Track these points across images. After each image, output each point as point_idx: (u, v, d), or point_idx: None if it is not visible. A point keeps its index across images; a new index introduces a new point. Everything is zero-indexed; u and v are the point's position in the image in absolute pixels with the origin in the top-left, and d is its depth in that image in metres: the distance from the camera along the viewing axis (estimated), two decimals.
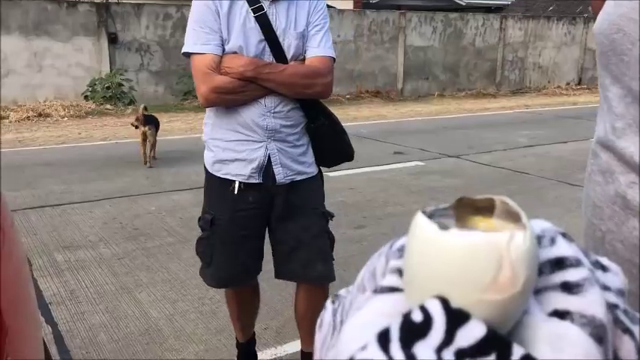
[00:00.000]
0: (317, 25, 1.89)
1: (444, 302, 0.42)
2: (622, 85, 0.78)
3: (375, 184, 5.43)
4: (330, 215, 2.09)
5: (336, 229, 3.97)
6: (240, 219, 1.97)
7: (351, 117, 9.86)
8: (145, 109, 6.33)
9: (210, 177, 2.02)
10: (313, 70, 1.87)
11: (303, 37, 1.89)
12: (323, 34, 1.90)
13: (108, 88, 10.19)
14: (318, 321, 0.58)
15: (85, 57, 10.45)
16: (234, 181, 1.93)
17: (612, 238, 0.82)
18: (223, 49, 1.84)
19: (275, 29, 1.84)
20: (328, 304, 0.55)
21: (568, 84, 15.93)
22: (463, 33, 14.32)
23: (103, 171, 5.89)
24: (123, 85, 10.41)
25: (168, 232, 4.11)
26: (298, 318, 2.17)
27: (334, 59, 1.95)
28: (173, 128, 8.31)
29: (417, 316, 0.42)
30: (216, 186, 2.00)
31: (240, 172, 1.92)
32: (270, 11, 1.85)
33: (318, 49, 1.89)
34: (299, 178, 1.97)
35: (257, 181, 1.93)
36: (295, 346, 2.54)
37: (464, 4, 19.86)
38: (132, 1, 11.96)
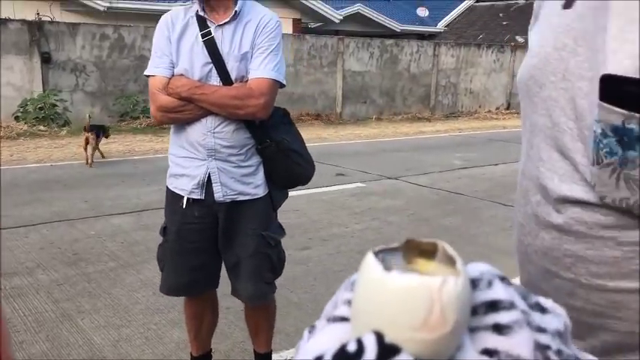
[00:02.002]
0: (261, 48, 1.95)
1: (379, 336, 0.44)
2: (531, 122, 0.94)
3: (318, 206, 5.52)
4: (273, 239, 2.12)
5: None
6: (186, 232, 2.07)
7: None
8: (90, 117, 7.64)
9: (167, 189, 2.13)
10: (245, 91, 1.92)
11: (247, 59, 1.95)
12: (266, 56, 1.94)
13: (41, 108, 9.85)
14: (296, 350, 0.62)
15: (16, 76, 10.08)
16: (183, 195, 2.04)
17: (531, 250, 0.94)
18: (174, 72, 1.96)
19: (221, 52, 1.93)
20: (305, 333, 0.57)
21: (497, 108, 16.73)
22: (399, 59, 14.81)
23: (38, 194, 5.69)
24: (57, 105, 10.10)
25: (109, 257, 4.02)
26: (248, 327, 2.37)
27: (277, 81, 1.96)
28: (111, 150, 8.12)
29: (352, 347, 0.45)
30: (169, 198, 2.12)
31: (185, 187, 2.03)
32: (217, 35, 1.94)
33: (257, 70, 1.94)
34: (241, 198, 2.03)
35: (199, 197, 2.02)
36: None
37: (399, 30, 20.55)
38: (67, 21, 11.67)
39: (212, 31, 1.93)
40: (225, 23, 1.95)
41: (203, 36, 1.93)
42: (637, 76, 0.70)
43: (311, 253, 4.17)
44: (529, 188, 0.94)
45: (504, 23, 20.98)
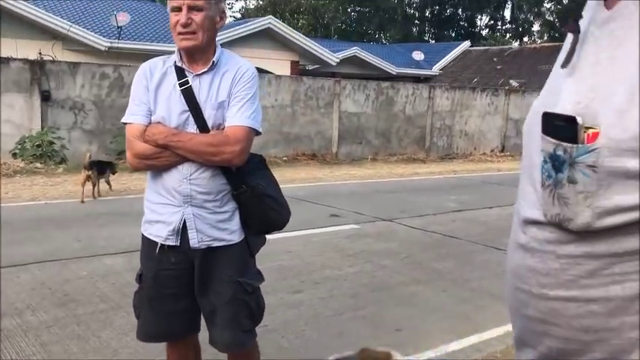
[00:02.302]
0: (237, 96, 2.00)
1: None
2: (522, 165, 1.04)
3: (312, 247, 5.52)
4: (250, 285, 2.11)
5: (274, 294, 4.01)
6: (163, 278, 2.08)
7: (288, 179, 10.01)
8: (90, 156, 7.77)
9: (142, 235, 2.14)
10: (221, 138, 1.96)
11: (224, 108, 2.00)
12: (242, 105, 1.98)
13: (38, 146, 9.92)
14: None
15: (15, 114, 10.17)
16: (158, 242, 2.06)
17: (508, 272, 1.03)
18: (151, 120, 2.01)
19: (198, 100, 1.98)
20: None
21: (492, 151, 16.88)
22: (394, 101, 15.03)
23: (31, 233, 5.68)
24: (54, 143, 10.17)
25: (100, 299, 4.00)
26: None
27: (253, 129, 2.00)
28: (107, 188, 8.14)
29: None
30: (145, 244, 2.14)
31: (160, 233, 2.05)
32: (195, 84, 2.00)
33: (234, 118, 1.98)
34: (217, 244, 2.04)
35: (174, 244, 2.03)
36: None
37: (395, 73, 20.91)
38: (68, 59, 11.87)
39: (190, 80, 1.99)
40: (203, 73, 2.01)
41: (181, 85, 1.99)
42: (565, 114, 0.85)
43: (303, 297, 4.15)
44: (514, 220, 1.05)
45: (498, 67, 21.38)
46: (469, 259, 5.31)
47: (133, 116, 2.02)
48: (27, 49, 12.60)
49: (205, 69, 2.01)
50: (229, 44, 16.03)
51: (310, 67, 18.43)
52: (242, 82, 2.01)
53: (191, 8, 1.93)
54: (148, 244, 2.10)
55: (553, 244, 0.87)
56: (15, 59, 10.47)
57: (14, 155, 9.88)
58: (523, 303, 0.96)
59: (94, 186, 7.47)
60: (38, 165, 9.70)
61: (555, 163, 0.86)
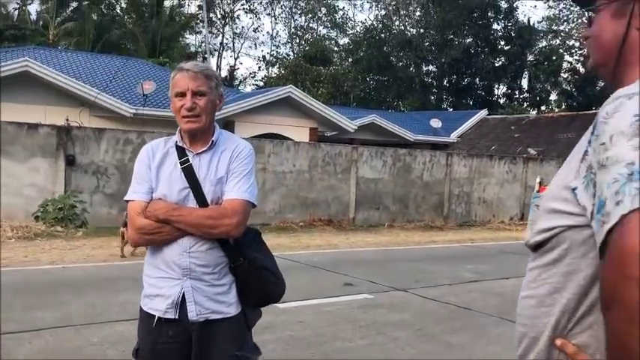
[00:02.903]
0: (235, 172, 2.11)
1: None
2: None
3: (323, 317, 5.47)
4: (247, 359, 2.14)
5: None
6: (161, 351, 2.11)
7: (304, 245, 10.03)
8: (126, 215, 7.94)
9: (140, 309, 2.18)
10: (219, 211, 2.05)
11: (222, 183, 2.10)
12: (240, 179, 2.09)
13: (60, 209, 10.14)
14: None
15: (40, 178, 10.49)
16: (156, 315, 2.09)
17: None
18: (152, 197, 2.11)
19: (198, 178, 2.09)
20: None
21: (511, 219, 16.75)
22: (412, 167, 15.15)
23: (47, 297, 5.74)
24: (76, 206, 10.39)
25: None
26: None
27: (249, 202, 2.09)
28: (126, 253, 8.24)
29: None
30: (143, 318, 2.16)
31: (159, 307, 2.09)
32: (195, 162, 2.11)
33: (231, 192, 2.08)
34: (215, 317, 2.08)
35: (173, 317, 2.07)
36: None
37: (412, 140, 21.16)
38: (95, 125, 12.31)
39: (190, 159, 2.11)
40: (203, 152, 2.13)
41: (182, 163, 2.11)
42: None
43: None
44: None
45: (516, 135, 21.53)
46: (484, 333, 5.20)
47: (135, 194, 2.12)
48: (55, 115, 13.15)
49: (205, 148, 2.13)
50: (251, 111, 16.53)
51: (329, 134, 18.77)
52: (239, 159, 2.13)
53: (195, 93, 2.08)
54: (146, 317, 2.14)
55: (531, 262, 1.17)
56: (43, 125, 10.89)
57: (36, 218, 10.09)
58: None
59: (124, 244, 7.90)
60: (59, 228, 9.89)
61: (534, 207, 1.22)
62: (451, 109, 34.36)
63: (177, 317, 2.07)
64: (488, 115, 25.38)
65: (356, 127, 18.88)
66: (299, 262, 8.15)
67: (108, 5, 35.46)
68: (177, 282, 2.07)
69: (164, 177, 2.11)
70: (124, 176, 11.24)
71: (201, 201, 2.08)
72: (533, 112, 33.16)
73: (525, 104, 36.25)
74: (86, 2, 31.14)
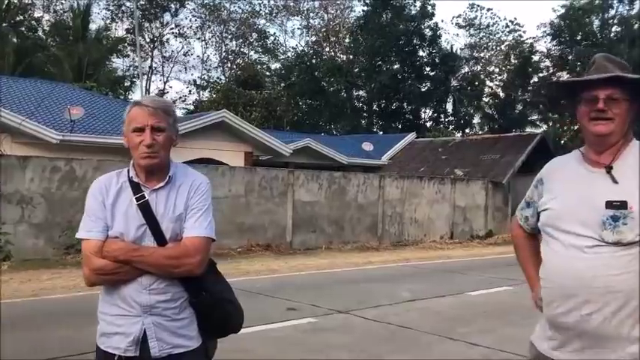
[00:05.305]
0: (194, 208, 2.09)
1: None
2: None
3: (268, 344, 5.45)
4: None
5: None
6: None
7: (244, 271, 9.95)
8: None
9: (97, 348, 2.12)
10: (180, 250, 2.04)
11: (181, 220, 2.09)
12: (199, 216, 2.08)
13: None
14: None
15: None
16: (115, 354, 2.04)
17: None
18: (108, 235, 2.06)
19: (155, 214, 2.07)
20: None
21: (442, 237, 17.31)
22: (347, 190, 15.41)
23: None
24: None
25: None
26: None
27: (210, 238, 2.09)
28: (55, 286, 7.88)
29: None
30: (100, 357, 2.10)
31: (119, 345, 2.03)
32: (152, 198, 2.08)
33: (192, 229, 2.07)
34: (177, 351, 2.06)
35: (133, 354, 2.03)
36: None
37: (346, 163, 21.53)
38: (18, 153, 11.76)
39: (146, 195, 2.08)
40: (159, 188, 2.10)
41: (137, 199, 2.07)
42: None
43: None
44: None
45: (443, 157, 22.35)
46: (426, 351, 5.36)
47: (90, 232, 2.06)
48: None
49: (162, 184, 2.10)
50: (183, 137, 16.26)
51: (264, 158, 18.79)
52: (198, 195, 2.12)
53: (154, 129, 2.05)
54: (104, 356, 2.08)
55: None
56: None
57: None
58: None
59: None
60: None
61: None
62: (381, 133, 35.25)
63: (138, 355, 2.03)
64: (416, 138, 26.24)
65: (291, 151, 19.01)
66: (240, 288, 7.99)
67: (29, 28, 34.12)
68: (138, 319, 2.03)
69: (119, 214, 2.07)
70: (51, 205, 10.78)
71: (160, 239, 2.05)
72: (459, 135, 34.59)
73: (451, 127, 37.75)
74: (5, 24, 29.83)
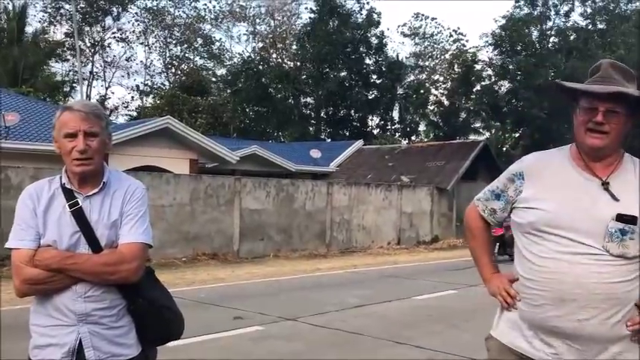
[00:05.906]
0: (130, 214, 2.04)
1: None
2: None
3: (215, 353, 5.33)
4: None
5: None
6: None
7: (189, 280, 9.72)
8: None
9: None
10: (116, 257, 1.98)
11: (116, 226, 2.03)
12: (135, 222, 2.03)
13: None
14: None
15: None
16: None
17: None
18: (40, 243, 1.97)
19: (89, 221, 2.00)
20: None
21: (389, 243, 17.51)
22: (295, 197, 15.37)
23: None
24: None
25: None
26: None
27: (147, 244, 2.04)
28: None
29: None
30: None
31: (54, 356, 1.96)
32: (85, 205, 2.01)
33: (128, 235, 2.02)
34: None
35: None
36: None
37: (294, 170, 21.49)
38: None
39: (80, 202, 2.01)
40: (94, 194, 2.03)
41: (71, 206, 2.00)
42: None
43: None
44: None
45: (390, 164, 22.67)
46: (374, 356, 5.36)
47: (21, 241, 1.97)
48: None
49: (96, 190, 2.03)
50: (126, 144, 15.84)
51: (210, 165, 18.50)
52: (133, 201, 2.07)
53: (87, 135, 1.98)
54: None
55: None
56: None
57: None
58: None
59: None
60: None
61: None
62: (329, 140, 35.42)
63: None
64: (363, 145, 26.51)
65: (238, 158, 18.82)
66: (184, 298, 7.84)
67: None
68: (73, 328, 1.96)
69: (52, 222, 1.99)
70: None
71: (95, 246, 1.98)
72: (405, 142, 35.18)
73: (397, 134, 38.37)
74: None
